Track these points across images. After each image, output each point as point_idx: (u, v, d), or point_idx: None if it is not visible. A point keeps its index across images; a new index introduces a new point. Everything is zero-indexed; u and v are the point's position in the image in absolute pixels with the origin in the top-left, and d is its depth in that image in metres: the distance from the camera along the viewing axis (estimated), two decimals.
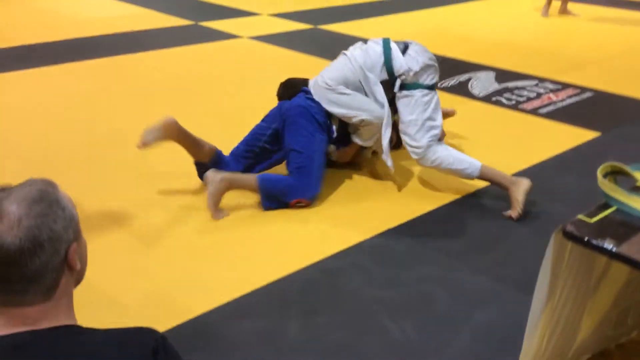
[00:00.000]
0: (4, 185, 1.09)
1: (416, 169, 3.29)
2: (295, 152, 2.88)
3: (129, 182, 3.13)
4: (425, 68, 2.91)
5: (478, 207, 2.93)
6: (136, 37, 6.06)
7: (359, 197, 2.99)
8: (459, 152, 2.98)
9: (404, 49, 2.95)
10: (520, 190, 2.78)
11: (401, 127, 2.97)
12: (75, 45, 5.75)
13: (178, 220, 2.79)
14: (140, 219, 2.79)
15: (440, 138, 3.02)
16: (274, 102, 3.29)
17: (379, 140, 3.00)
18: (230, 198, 2.93)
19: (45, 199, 1.05)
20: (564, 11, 7.25)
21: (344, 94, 2.94)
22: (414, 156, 2.94)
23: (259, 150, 3.05)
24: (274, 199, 2.82)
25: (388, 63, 2.92)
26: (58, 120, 3.94)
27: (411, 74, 2.89)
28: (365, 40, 3.11)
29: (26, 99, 4.33)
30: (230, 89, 4.61)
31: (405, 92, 2.92)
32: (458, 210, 2.90)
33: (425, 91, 2.91)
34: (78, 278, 1.14)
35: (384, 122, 2.92)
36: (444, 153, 2.91)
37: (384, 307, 2.20)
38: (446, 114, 3.45)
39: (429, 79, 2.92)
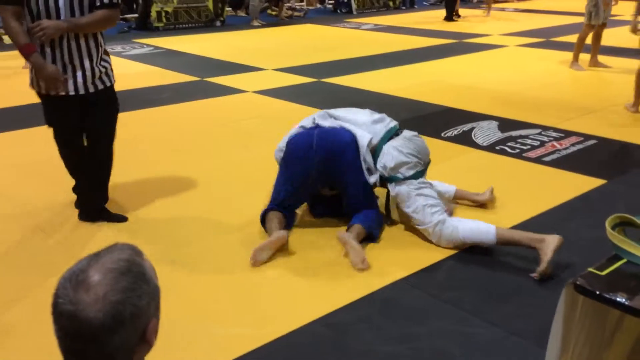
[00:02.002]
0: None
1: None
2: (361, 191, 3.07)
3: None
4: (400, 164, 3.01)
5: (488, 256, 2.90)
6: (144, 94, 6.19)
7: (368, 247, 2.97)
8: (474, 221, 2.95)
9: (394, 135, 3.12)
10: (550, 247, 2.66)
11: (408, 216, 3.06)
12: None
13: (176, 275, 2.78)
14: None
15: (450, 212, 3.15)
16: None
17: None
18: (236, 253, 2.92)
19: (132, 271, 1.01)
20: (595, 64, 7.22)
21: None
22: (430, 237, 2.97)
23: (305, 198, 3.23)
24: (377, 228, 3.08)
25: (378, 151, 3.08)
26: None
27: (387, 169, 3.03)
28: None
29: (31, 156, 4.39)
30: (237, 141, 4.67)
31: (390, 187, 3.07)
32: (468, 260, 2.87)
33: (408, 182, 2.99)
34: (148, 350, 1.07)
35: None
36: (456, 226, 2.91)
37: None
38: (479, 200, 3.46)
39: (408, 172, 3.01)
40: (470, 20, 12.21)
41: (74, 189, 3.33)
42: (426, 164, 3.13)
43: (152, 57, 8.36)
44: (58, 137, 3.14)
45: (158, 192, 3.74)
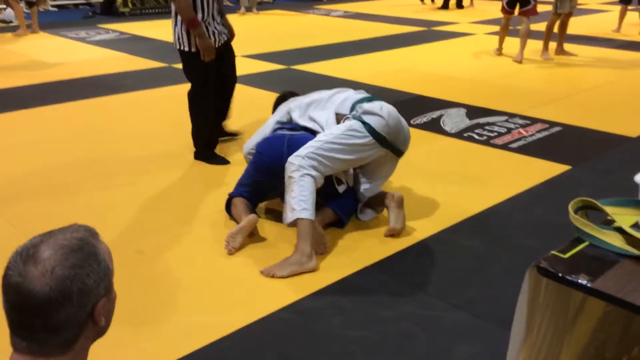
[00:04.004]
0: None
1: None
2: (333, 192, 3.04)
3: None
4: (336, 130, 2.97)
5: (452, 242, 2.94)
6: (110, 80, 6.06)
7: (333, 235, 2.97)
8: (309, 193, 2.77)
9: None
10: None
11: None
12: (48, 89, 5.72)
13: (144, 265, 2.74)
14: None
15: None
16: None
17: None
18: (203, 242, 2.90)
19: (83, 249, 1.02)
20: (561, 52, 7.34)
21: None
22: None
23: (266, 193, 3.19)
24: (347, 214, 3.08)
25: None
26: (46, 160, 3.89)
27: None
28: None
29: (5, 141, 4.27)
30: None
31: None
32: (433, 246, 2.90)
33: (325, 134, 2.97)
34: (99, 332, 1.08)
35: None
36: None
37: (363, 348, 2.17)
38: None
39: (335, 131, 2.97)
40: (452, 9, 12.10)
41: (207, 140, 3.95)
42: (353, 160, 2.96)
43: (118, 43, 8.19)
44: (209, 90, 3.86)
45: (123, 180, 3.68)
